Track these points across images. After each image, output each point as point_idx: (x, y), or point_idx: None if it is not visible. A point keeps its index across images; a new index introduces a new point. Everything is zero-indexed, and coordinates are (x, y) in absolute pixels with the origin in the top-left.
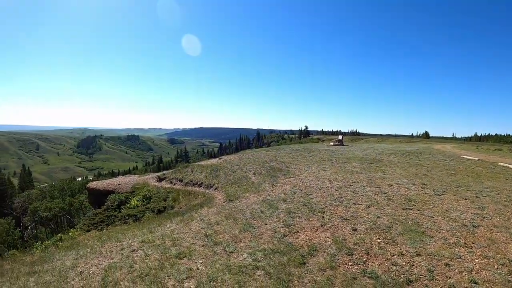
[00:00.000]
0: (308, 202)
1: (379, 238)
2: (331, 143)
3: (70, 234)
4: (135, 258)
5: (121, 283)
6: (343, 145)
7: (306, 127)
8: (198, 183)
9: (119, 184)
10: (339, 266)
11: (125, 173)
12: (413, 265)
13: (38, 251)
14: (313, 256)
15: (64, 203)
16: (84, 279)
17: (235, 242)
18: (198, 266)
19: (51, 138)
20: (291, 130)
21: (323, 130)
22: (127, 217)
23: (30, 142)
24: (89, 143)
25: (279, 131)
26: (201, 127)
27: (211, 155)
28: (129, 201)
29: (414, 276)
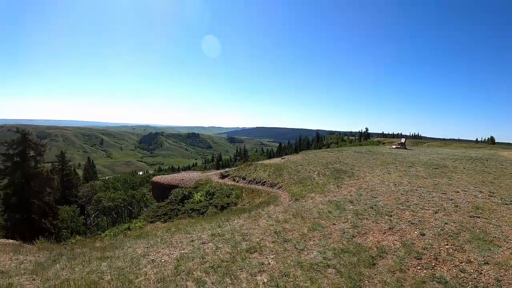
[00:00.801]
0: (375, 205)
1: (447, 244)
2: (393, 146)
3: (137, 224)
4: (206, 250)
5: (194, 273)
6: (405, 148)
7: (367, 129)
8: (262, 181)
9: (182, 179)
10: (408, 269)
11: (184, 169)
12: (481, 273)
13: (107, 238)
14: (382, 258)
15: (126, 194)
16: (157, 266)
17: (305, 240)
18: (270, 261)
19: (115, 134)
20: (350, 131)
21: (384, 132)
22: (191, 211)
23: (95, 137)
24: (150, 139)
25: (339, 132)
26: (260, 127)
27: (270, 155)
28: (193, 196)
29: (482, 284)
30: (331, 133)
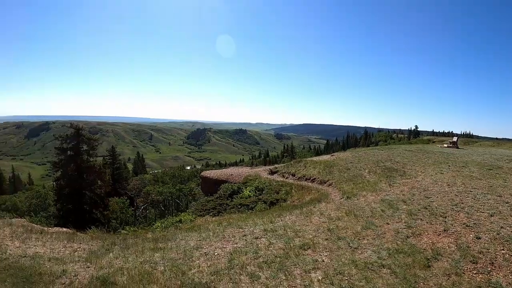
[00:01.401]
0: (429, 205)
1: (503, 249)
2: (445, 145)
3: (187, 217)
4: (259, 245)
5: (248, 267)
6: (457, 147)
7: (416, 127)
8: (311, 178)
9: (231, 175)
10: (464, 273)
11: (231, 164)
12: None
13: (158, 229)
14: (438, 260)
15: (174, 188)
16: (210, 259)
17: (358, 239)
18: (323, 258)
19: (164, 129)
20: (399, 129)
21: (434, 130)
22: (239, 206)
23: (144, 133)
24: (198, 135)
25: (387, 130)
26: (308, 123)
27: (318, 152)
28: (241, 191)
29: None
30: (379, 130)
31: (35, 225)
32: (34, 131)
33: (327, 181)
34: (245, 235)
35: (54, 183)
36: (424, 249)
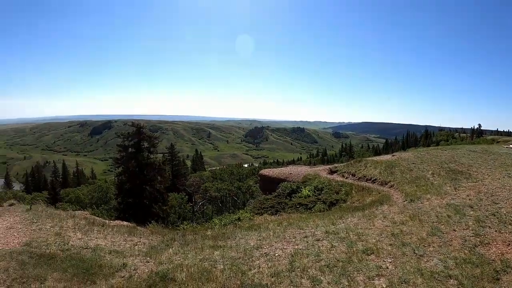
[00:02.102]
0: (497, 212)
1: None
2: (511, 146)
3: (245, 215)
4: (321, 248)
5: (309, 270)
6: None
7: (480, 126)
8: (372, 179)
9: (290, 173)
10: None
11: (289, 163)
12: None
13: (217, 227)
14: (507, 273)
15: (232, 185)
16: (270, 260)
17: (424, 246)
18: (387, 265)
19: (222, 128)
20: (461, 128)
21: (498, 130)
22: (298, 206)
23: (203, 131)
24: (256, 133)
25: (449, 128)
26: (366, 122)
27: (377, 151)
28: (300, 190)
29: None
30: (441, 129)
31: (97, 218)
32: (97, 129)
33: (388, 182)
34: (306, 236)
35: (115, 178)
36: (493, 260)
